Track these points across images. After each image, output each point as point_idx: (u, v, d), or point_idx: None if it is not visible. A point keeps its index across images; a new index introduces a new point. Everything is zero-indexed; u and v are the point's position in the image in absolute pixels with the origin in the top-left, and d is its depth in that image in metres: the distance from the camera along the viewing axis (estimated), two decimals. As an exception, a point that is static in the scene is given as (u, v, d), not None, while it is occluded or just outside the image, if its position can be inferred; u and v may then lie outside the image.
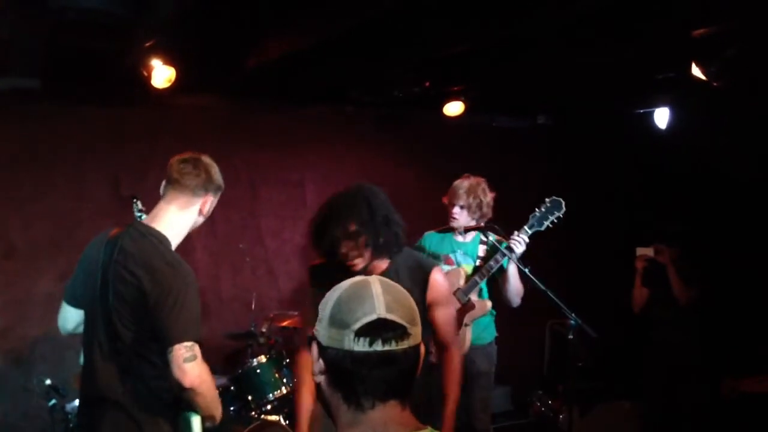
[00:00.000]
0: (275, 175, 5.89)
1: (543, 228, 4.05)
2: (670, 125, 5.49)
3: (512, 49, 4.38)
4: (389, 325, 1.42)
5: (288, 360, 4.63)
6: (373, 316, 1.42)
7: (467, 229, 4.14)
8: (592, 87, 5.43)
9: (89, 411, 2.68)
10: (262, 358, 4.52)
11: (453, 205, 4.14)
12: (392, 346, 1.41)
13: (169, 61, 4.36)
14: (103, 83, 4.82)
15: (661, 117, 5.50)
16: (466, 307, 4.13)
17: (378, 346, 1.41)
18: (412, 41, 4.18)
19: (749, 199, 5.50)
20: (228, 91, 5.41)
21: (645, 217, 6.46)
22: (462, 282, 4.16)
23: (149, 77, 4.39)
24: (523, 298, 4.27)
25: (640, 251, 5.06)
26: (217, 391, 2.67)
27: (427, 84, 5.19)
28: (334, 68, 4.80)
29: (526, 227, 4.04)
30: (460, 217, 4.13)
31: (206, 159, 2.78)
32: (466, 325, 4.15)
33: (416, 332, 1.46)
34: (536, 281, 3.93)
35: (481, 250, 4.22)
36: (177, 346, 2.45)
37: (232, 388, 4.48)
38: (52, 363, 4.71)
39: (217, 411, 2.62)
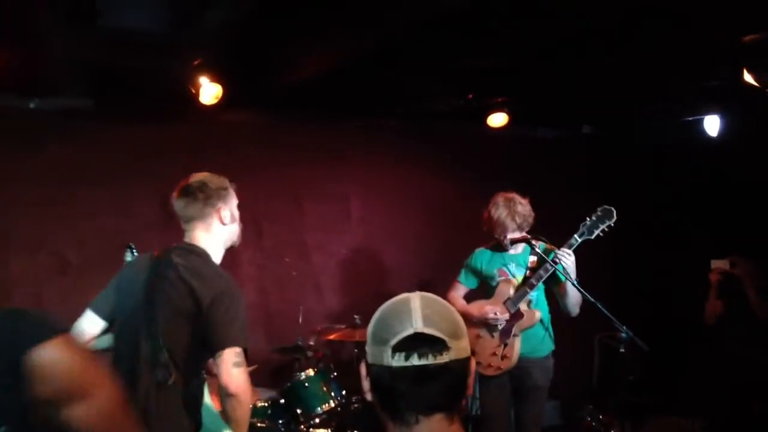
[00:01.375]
0: (319, 189, 5.92)
1: (593, 237, 4.02)
2: (721, 132, 5.36)
3: (555, 58, 4.34)
4: (426, 339, 1.40)
5: (335, 373, 4.63)
6: (410, 331, 1.40)
7: (513, 241, 4.13)
8: (637, 95, 5.35)
9: None
10: (310, 372, 4.52)
11: (505, 236, 4.14)
12: (429, 360, 1.39)
13: (215, 78, 4.43)
14: (150, 101, 4.92)
15: (712, 124, 5.38)
16: (514, 317, 4.14)
17: (414, 361, 1.39)
18: (453, 54, 4.18)
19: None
20: (271, 106, 5.46)
21: (695, 226, 6.33)
22: (512, 292, 4.18)
23: (196, 94, 4.46)
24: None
25: (715, 263, 4.90)
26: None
27: (470, 96, 5.17)
28: (376, 82, 4.82)
29: (576, 236, 4.02)
30: (515, 239, 4.13)
31: (195, 179, 2.86)
32: (515, 335, 4.16)
33: (459, 346, 1.43)
34: (585, 294, 3.89)
35: (531, 260, 4.22)
36: (228, 350, 2.51)
37: (281, 401, 4.49)
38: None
39: (246, 427, 2.61)
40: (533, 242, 4.13)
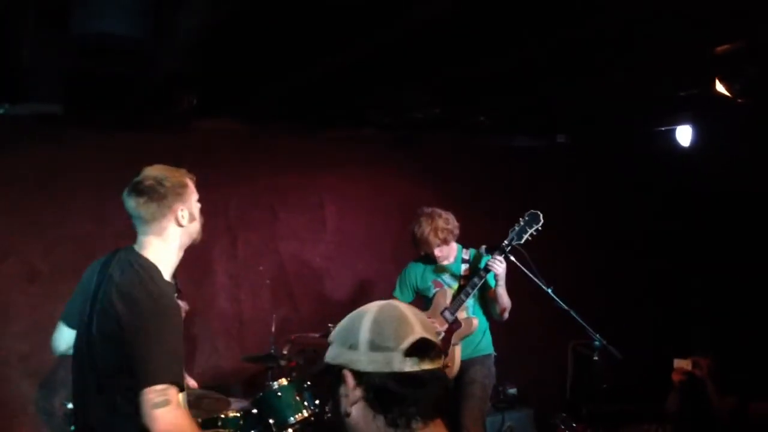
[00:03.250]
0: (295, 197, 5.90)
1: (522, 241, 4.10)
2: (694, 142, 5.44)
3: (531, 68, 4.37)
4: (430, 345, 1.44)
5: (309, 383, 4.60)
6: (417, 336, 1.43)
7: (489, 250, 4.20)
8: (611, 105, 5.41)
9: None
10: (283, 381, 4.48)
11: (431, 252, 4.27)
12: (436, 365, 1.44)
13: (190, 85, 4.39)
14: (125, 108, 4.87)
15: (684, 134, 5.46)
16: (452, 327, 4.22)
17: (426, 365, 1.42)
18: (429, 63, 4.19)
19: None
20: (248, 114, 5.44)
21: (666, 236, 6.41)
22: (448, 301, 4.26)
23: (171, 101, 4.42)
24: (545, 318, 4.26)
25: (678, 363, 4.97)
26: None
27: (445, 105, 5.19)
28: (352, 91, 4.82)
29: (506, 241, 4.10)
30: (443, 253, 4.30)
31: (149, 174, 2.59)
32: (454, 344, 4.24)
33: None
34: (559, 301, 3.92)
35: (464, 268, 4.33)
36: (147, 390, 2.22)
37: (254, 411, 4.44)
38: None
39: None
40: (465, 251, 4.35)
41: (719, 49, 3.54)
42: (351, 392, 1.45)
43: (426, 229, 4.20)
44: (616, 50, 3.95)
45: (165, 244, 2.55)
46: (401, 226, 5.99)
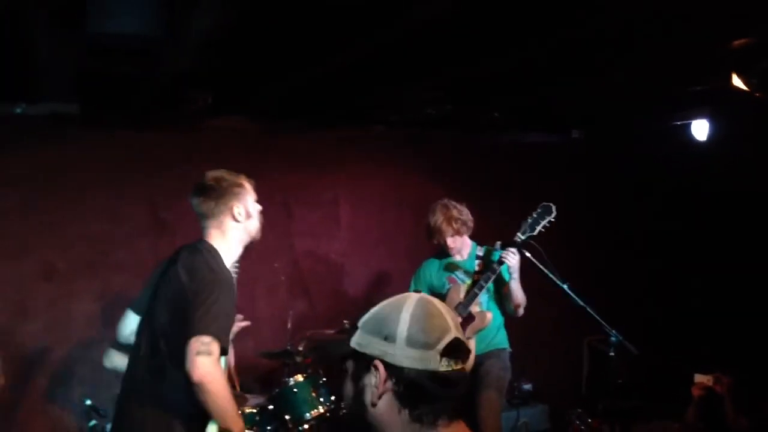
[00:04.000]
0: (308, 195, 5.91)
1: (536, 233, 4.10)
2: (711, 137, 5.39)
3: (544, 63, 4.35)
4: (462, 345, 1.45)
5: (325, 379, 4.61)
6: (451, 336, 1.44)
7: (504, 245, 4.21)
8: (626, 100, 5.37)
9: (119, 404, 2.78)
10: (299, 377, 4.50)
11: (444, 242, 4.30)
12: (466, 365, 1.46)
13: (202, 84, 4.40)
14: (138, 106, 4.89)
15: (700, 128, 5.41)
16: (467, 321, 4.21)
17: (459, 365, 1.44)
18: (441, 60, 4.18)
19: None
20: (260, 112, 5.45)
21: (683, 231, 6.37)
22: (462, 296, 4.25)
23: (184, 100, 4.44)
24: (560, 314, 4.25)
25: (699, 378, 4.96)
26: (235, 405, 2.63)
27: (458, 102, 5.18)
28: (365, 89, 4.81)
29: (519, 234, 4.11)
30: (456, 244, 4.34)
31: (210, 176, 2.92)
32: (468, 338, 4.21)
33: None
34: (575, 297, 3.90)
35: (477, 265, 4.35)
36: (194, 338, 2.47)
37: (270, 407, 4.46)
38: (92, 383, 4.74)
39: (234, 424, 2.58)
40: (478, 247, 4.38)
41: (736, 43, 3.50)
42: (381, 384, 1.44)
43: (440, 218, 4.25)
44: (632, 45, 3.92)
45: (224, 237, 2.86)
46: (414, 223, 5.99)
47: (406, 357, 1.42)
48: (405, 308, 1.47)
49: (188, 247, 2.83)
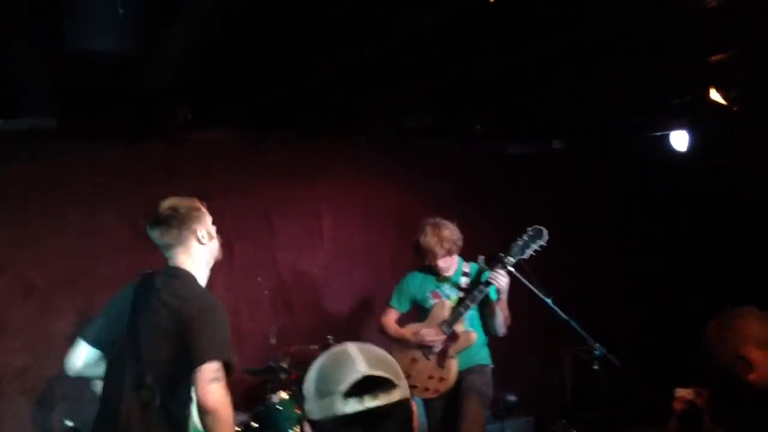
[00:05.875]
0: (291, 207, 5.87)
1: (525, 256, 4.04)
2: (690, 148, 5.43)
3: (526, 74, 4.37)
4: (375, 381, 1.41)
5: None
6: (358, 375, 1.41)
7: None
8: (607, 111, 5.41)
9: None
10: (283, 394, 4.47)
11: (435, 262, 4.22)
12: (382, 401, 1.40)
13: (183, 97, 4.38)
14: (117, 120, 4.85)
15: (680, 139, 5.45)
16: (451, 339, 4.19)
17: (368, 403, 1.39)
18: (422, 71, 4.19)
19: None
20: (240, 124, 5.43)
21: (664, 242, 6.41)
22: (447, 313, 4.21)
23: (165, 114, 4.41)
24: (543, 326, 4.25)
25: (680, 392, 5.00)
26: (235, 427, 2.68)
27: (438, 113, 5.19)
28: (346, 99, 4.81)
29: (510, 257, 4.03)
30: (446, 264, 4.25)
31: (164, 206, 2.87)
32: (451, 357, 4.20)
33: (404, 385, 1.46)
34: (559, 312, 3.91)
35: (464, 281, 4.29)
36: (205, 366, 2.48)
37: (253, 424, 4.42)
38: (72, 402, 4.68)
39: None
40: (465, 263, 4.30)
41: (714, 58, 3.54)
42: None
43: (432, 239, 4.16)
44: (612, 57, 3.95)
45: (194, 262, 2.85)
46: (397, 235, 6.00)
47: (317, 409, 1.44)
48: (314, 365, 1.50)
49: (161, 276, 2.80)
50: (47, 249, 4.95)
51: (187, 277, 2.79)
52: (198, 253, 2.87)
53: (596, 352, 3.88)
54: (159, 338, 2.63)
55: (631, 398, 5.48)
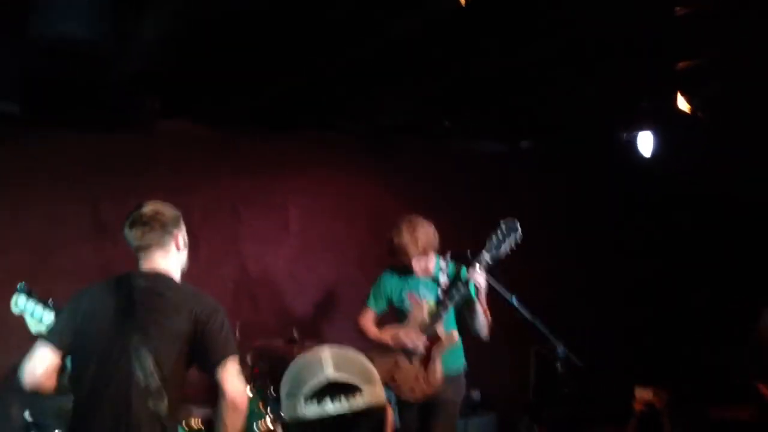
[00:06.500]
0: (258, 199, 5.83)
1: (502, 254, 3.90)
2: (656, 151, 5.49)
3: (497, 74, 4.39)
4: (339, 386, 1.41)
5: (273, 389, 4.55)
6: (322, 378, 1.42)
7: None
8: (573, 111, 5.46)
9: None
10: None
11: (409, 262, 4.06)
12: (343, 406, 1.40)
13: (152, 87, 4.32)
14: (83, 109, 4.75)
15: (645, 142, 5.50)
16: (432, 341, 4.06)
17: (328, 408, 1.39)
18: (395, 71, 4.18)
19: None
20: (211, 116, 5.37)
21: (629, 243, 6.51)
22: (425, 315, 4.10)
23: (133, 104, 4.34)
24: (507, 324, 4.24)
25: (639, 393, 5.07)
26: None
27: (411, 111, 5.19)
28: (319, 95, 4.79)
29: (485, 252, 3.89)
30: (422, 264, 4.09)
31: (148, 209, 2.83)
32: (434, 358, 4.07)
33: (372, 391, 1.44)
34: (522, 311, 3.91)
35: (441, 281, 4.12)
36: (231, 358, 2.66)
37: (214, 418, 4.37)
38: (31, 395, 4.58)
39: None
40: (443, 262, 4.14)
41: (681, 64, 3.59)
42: None
43: (406, 237, 4.00)
44: (579, 61, 3.98)
45: (170, 263, 2.85)
46: (366, 230, 6.00)
47: (285, 410, 1.46)
48: (293, 363, 1.52)
49: (144, 276, 2.78)
50: (6, 237, 4.84)
51: (172, 280, 2.82)
52: (174, 258, 2.87)
53: (558, 351, 3.90)
54: (174, 343, 2.66)
55: (594, 397, 5.56)
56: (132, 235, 2.80)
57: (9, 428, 4.52)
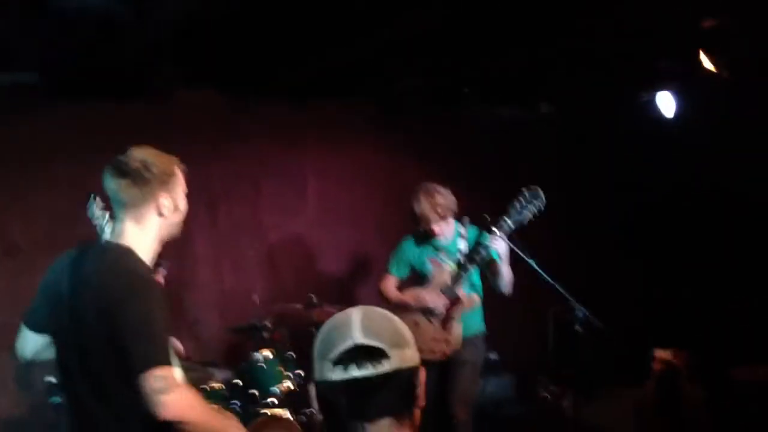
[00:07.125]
0: (277, 169, 5.85)
1: (525, 221, 4.01)
2: (678, 113, 5.41)
3: (514, 36, 4.33)
4: (365, 350, 1.41)
5: (292, 353, 4.61)
6: (349, 343, 1.41)
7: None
8: (595, 74, 5.38)
9: None
10: (266, 352, 4.49)
11: (430, 228, 4.19)
12: (369, 371, 1.39)
13: (171, 57, 4.31)
14: (105, 79, 4.76)
15: (667, 104, 5.41)
16: (454, 303, 4.18)
17: (354, 372, 1.39)
18: (412, 35, 4.14)
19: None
20: (230, 87, 5.35)
21: (654, 206, 6.46)
22: (447, 278, 4.20)
23: (152, 73, 4.33)
24: (525, 286, 4.27)
25: (658, 353, 5.08)
26: (215, 415, 2.30)
27: (427, 77, 5.14)
28: (336, 62, 4.76)
29: (507, 218, 4.00)
30: (441, 229, 4.22)
31: (134, 157, 2.35)
32: (454, 319, 4.20)
33: (401, 355, 1.43)
34: (543, 274, 3.93)
35: (461, 245, 4.26)
36: (147, 374, 2.06)
37: (236, 381, 4.45)
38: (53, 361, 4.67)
39: None
40: (461, 227, 4.28)
41: (706, 23, 3.51)
42: (312, 402, 1.49)
43: (425, 205, 4.13)
44: (601, 20, 3.91)
45: (143, 233, 2.37)
46: (384, 198, 6.01)
47: (316, 371, 1.46)
48: (325, 324, 1.50)
49: (90, 254, 2.35)
50: (30, 206, 4.90)
51: (123, 253, 2.31)
52: (152, 225, 2.37)
53: (578, 314, 3.91)
54: (100, 336, 2.19)
55: (613, 359, 5.58)
56: (110, 185, 2.34)
57: (32, 391, 4.62)
